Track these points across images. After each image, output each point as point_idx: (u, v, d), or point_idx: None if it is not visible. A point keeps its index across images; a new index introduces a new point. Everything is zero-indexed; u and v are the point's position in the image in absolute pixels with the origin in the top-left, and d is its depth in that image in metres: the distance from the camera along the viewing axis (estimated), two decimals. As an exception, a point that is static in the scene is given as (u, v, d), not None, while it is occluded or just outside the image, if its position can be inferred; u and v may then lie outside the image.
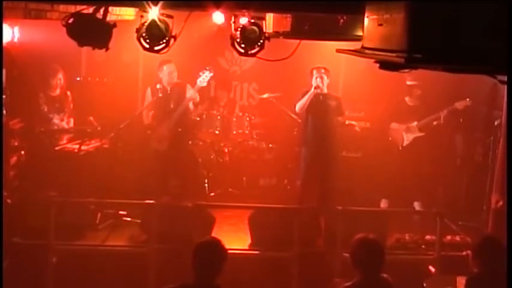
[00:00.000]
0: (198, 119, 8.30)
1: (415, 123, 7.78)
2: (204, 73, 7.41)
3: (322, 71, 7.37)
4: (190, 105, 7.63)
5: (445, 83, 7.25)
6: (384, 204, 7.85)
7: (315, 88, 7.29)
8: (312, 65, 7.63)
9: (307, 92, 7.37)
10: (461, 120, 7.90)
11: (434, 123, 7.73)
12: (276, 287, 6.14)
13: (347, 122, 8.30)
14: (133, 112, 7.98)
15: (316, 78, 7.33)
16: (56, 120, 7.33)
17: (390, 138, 8.01)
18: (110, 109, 7.90)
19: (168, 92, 7.50)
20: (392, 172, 7.96)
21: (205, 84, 7.44)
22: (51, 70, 7.34)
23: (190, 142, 8.12)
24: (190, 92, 7.48)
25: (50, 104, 7.33)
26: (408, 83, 7.74)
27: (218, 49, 8.71)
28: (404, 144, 7.89)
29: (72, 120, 7.52)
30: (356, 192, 7.83)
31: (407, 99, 7.90)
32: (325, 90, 7.42)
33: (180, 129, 7.54)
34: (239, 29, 4.80)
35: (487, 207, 6.72)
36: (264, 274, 6.08)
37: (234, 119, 8.53)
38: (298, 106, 7.45)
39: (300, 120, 8.03)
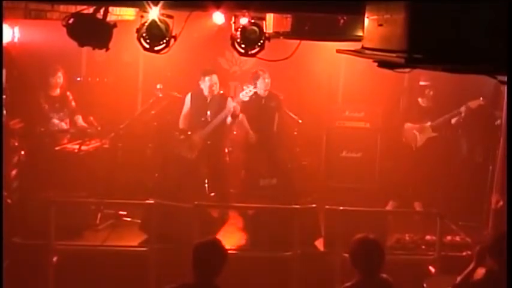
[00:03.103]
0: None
1: (429, 123, 7.74)
2: (248, 87, 7.43)
3: (266, 73, 7.57)
4: (228, 118, 7.38)
5: (457, 83, 7.25)
6: (390, 206, 7.82)
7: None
8: (313, 66, 7.66)
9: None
10: (461, 120, 7.88)
11: (453, 121, 7.67)
12: (275, 287, 6.14)
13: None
14: (134, 112, 7.99)
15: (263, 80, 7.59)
16: (55, 120, 7.33)
17: (404, 139, 7.92)
18: (110, 109, 7.91)
19: (208, 101, 7.37)
20: (395, 173, 7.97)
21: (247, 99, 7.40)
22: (51, 69, 7.35)
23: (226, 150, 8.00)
24: (230, 105, 7.33)
25: (50, 104, 7.34)
26: (421, 83, 7.72)
27: (218, 49, 8.70)
28: (418, 145, 7.80)
29: (80, 117, 7.51)
30: (358, 193, 7.84)
31: (420, 100, 7.83)
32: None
33: (209, 142, 7.34)
34: (239, 29, 4.80)
35: (487, 208, 6.72)
36: (264, 274, 6.08)
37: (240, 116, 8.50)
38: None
39: (300, 121, 8.04)
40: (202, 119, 7.34)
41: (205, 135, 7.34)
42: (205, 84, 7.33)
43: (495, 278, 4.34)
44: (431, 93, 7.73)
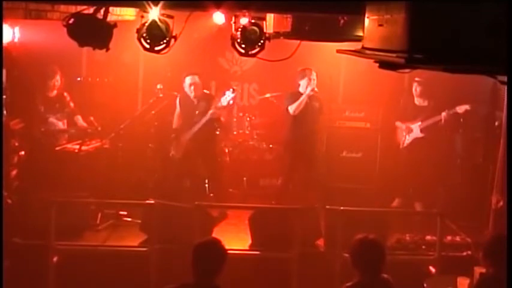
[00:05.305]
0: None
1: (419, 123, 7.81)
2: (229, 90, 7.52)
3: (314, 73, 7.48)
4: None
5: (453, 84, 7.26)
6: (396, 203, 7.90)
7: (311, 91, 7.41)
8: (313, 66, 7.63)
9: (294, 93, 7.51)
10: (461, 120, 7.93)
11: (441, 120, 7.75)
12: (275, 287, 6.13)
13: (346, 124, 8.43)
14: (134, 112, 8.00)
15: (310, 80, 7.44)
16: (53, 120, 7.33)
17: (395, 137, 8.09)
18: (110, 109, 7.92)
19: (195, 103, 7.54)
20: (394, 173, 8.00)
21: (225, 103, 7.49)
22: (49, 71, 7.36)
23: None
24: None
25: (47, 105, 7.34)
26: (417, 79, 7.77)
27: (219, 49, 8.71)
28: (405, 144, 7.95)
29: (80, 117, 7.52)
30: (358, 193, 7.85)
31: (415, 99, 7.93)
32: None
33: (196, 143, 7.53)
34: (240, 29, 4.80)
35: (487, 208, 6.72)
36: (264, 274, 6.08)
37: (235, 119, 8.53)
38: (293, 108, 7.46)
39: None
40: (191, 120, 7.51)
41: (190, 136, 7.53)
42: (185, 84, 7.50)
43: (490, 281, 4.34)
44: (418, 89, 7.81)
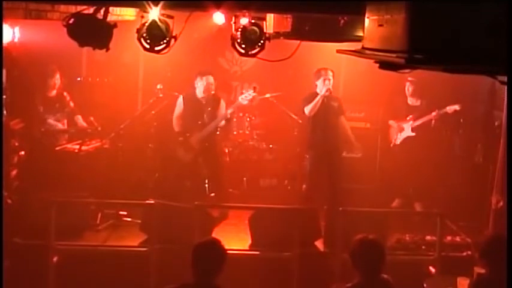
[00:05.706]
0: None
1: (410, 122, 7.85)
2: (247, 91, 7.46)
3: (330, 73, 7.26)
4: (222, 121, 7.55)
5: (448, 84, 7.27)
6: (396, 203, 7.92)
7: (326, 91, 7.18)
8: (313, 66, 7.61)
9: (312, 94, 7.29)
10: (461, 120, 7.94)
11: (431, 120, 7.80)
12: (275, 287, 6.13)
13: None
14: (134, 112, 8.00)
15: (325, 80, 7.21)
16: (50, 121, 7.33)
17: (388, 136, 8.16)
18: (110, 109, 7.91)
19: (204, 103, 7.43)
20: (394, 173, 8.01)
21: (246, 102, 7.43)
22: (49, 71, 7.35)
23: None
24: (223, 106, 7.47)
25: (47, 105, 7.34)
26: (409, 79, 7.80)
27: (219, 49, 8.71)
28: (396, 143, 8.02)
29: (80, 117, 7.51)
30: (358, 193, 7.86)
31: (408, 99, 7.99)
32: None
33: (207, 144, 7.48)
34: (240, 29, 4.80)
35: (487, 208, 6.72)
36: (264, 274, 6.08)
37: (234, 120, 8.52)
38: (308, 110, 7.25)
39: (300, 121, 8.02)
40: (199, 122, 7.41)
41: (202, 138, 7.43)
42: (201, 83, 7.36)
43: (485, 281, 4.33)
44: (410, 89, 7.88)
